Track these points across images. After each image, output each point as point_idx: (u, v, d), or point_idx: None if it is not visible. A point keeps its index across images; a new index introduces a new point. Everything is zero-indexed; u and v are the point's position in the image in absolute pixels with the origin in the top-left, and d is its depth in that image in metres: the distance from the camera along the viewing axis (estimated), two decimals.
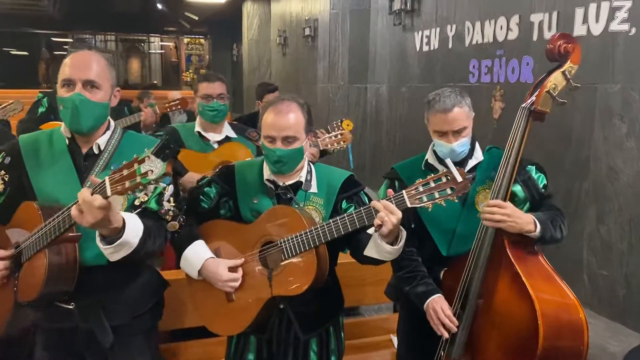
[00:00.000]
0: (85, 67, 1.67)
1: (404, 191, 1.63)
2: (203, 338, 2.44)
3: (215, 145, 2.83)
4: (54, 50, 18.81)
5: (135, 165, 1.34)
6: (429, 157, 2.03)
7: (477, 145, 2.02)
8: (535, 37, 3.66)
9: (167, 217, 1.69)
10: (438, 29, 4.99)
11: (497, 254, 1.77)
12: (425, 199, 1.60)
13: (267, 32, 10.23)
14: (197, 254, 1.84)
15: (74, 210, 1.44)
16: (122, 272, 1.71)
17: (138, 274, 1.80)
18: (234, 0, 10.54)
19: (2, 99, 3.63)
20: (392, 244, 1.71)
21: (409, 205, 1.62)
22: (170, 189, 1.73)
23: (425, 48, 5.22)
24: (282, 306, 1.85)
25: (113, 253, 1.57)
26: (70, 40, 18.60)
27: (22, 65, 17.00)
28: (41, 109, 3.51)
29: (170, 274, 2.20)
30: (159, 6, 15.60)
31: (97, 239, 1.55)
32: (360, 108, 6.58)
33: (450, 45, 4.78)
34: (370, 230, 1.74)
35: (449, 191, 1.58)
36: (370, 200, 1.91)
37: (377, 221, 1.64)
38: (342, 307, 2.05)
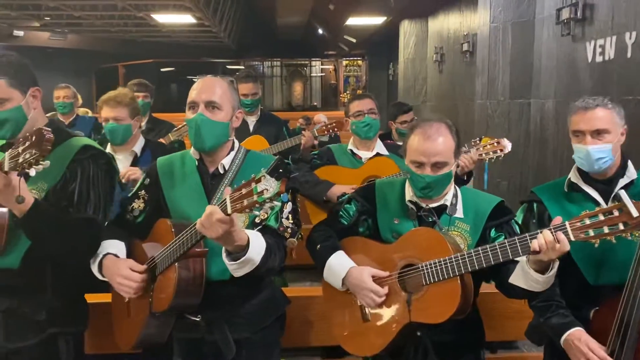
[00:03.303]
0: (208, 90, 1.81)
1: (567, 223, 1.48)
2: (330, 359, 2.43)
3: (366, 162, 2.88)
4: (229, 77, 20.72)
5: (253, 185, 1.40)
6: (572, 175, 1.82)
7: (629, 163, 1.79)
8: None
9: (286, 234, 1.75)
10: (614, 37, 4.50)
11: None
12: (591, 233, 1.43)
13: (424, 49, 10.17)
14: (341, 263, 1.85)
15: (198, 224, 1.54)
16: (244, 287, 1.78)
17: (260, 289, 1.86)
18: (391, 20, 10.65)
19: (181, 122, 4.03)
20: (541, 272, 1.55)
21: (572, 238, 1.46)
22: (289, 206, 1.78)
23: (599, 59, 4.74)
24: (419, 333, 1.77)
25: (237, 269, 1.65)
26: (242, 67, 20.36)
27: None
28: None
29: (295, 291, 2.23)
30: (320, 31, 16.39)
31: (223, 255, 1.63)
32: (522, 125, 6.17)
33: (629, 55, 4.28)
34: (520, 257, 1.60)
35: (621, 226, 1.40)
36: (521, 229, 1.76)
37: (534, 246, 1.49)
38: (484, 341, 1.93)
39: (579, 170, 1.82)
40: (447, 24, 8.72)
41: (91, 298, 2.07)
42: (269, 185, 1.37)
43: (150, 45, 16.02)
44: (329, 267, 1.86)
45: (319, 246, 1.87)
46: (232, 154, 1.87)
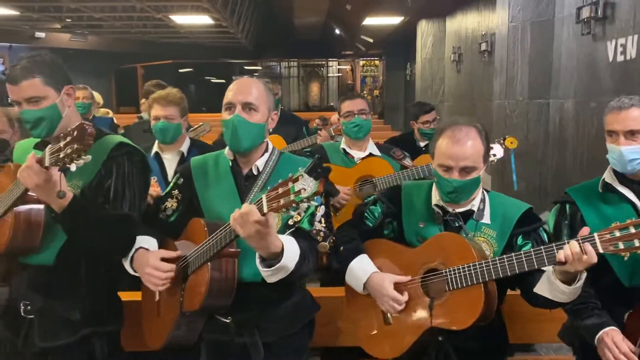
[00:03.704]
0: (245, 91, 1.80)
1: (595, 234, 1.45)
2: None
3: (359, 162, 2.88)
4: (265, 78, 20.81)
5: (290, 184, 1.39)
6: (607, 175, 1.78)
7: None
8: None
9: (318, 237, 1.73)
10: (636, 37, 4.42)
11: None
12: (621, 245, 1.40)
13: (441, 49, 10.10)
14: (364, 267, 1.84)
15: (232, 220, 1.52)
16: (276, 290, 1.76)
17: (291, 293, 1.84)
18: (408, 20, 10.60)
19: (199, 122, 4.08)
20: (567, 284, 1.52)
21: (600, 250, 1.44)
22: (322, 209, 1.76)
23: (620, 58, 4.66)
24: (440, 339, 1.76)
25: (270, 275, 1.63)
26: (259, 67, 20.44)
27: (219, 91, 19.01)
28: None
29: (324, 291, 2.22)
30: (337, 32, 16.38)
31: (257, 261, 1.62)
32: (541, 125, 6.11)
33: None
34: (546, 267, 1.57)
35: None
36: (549, 238, 1.73)
37: (560, 257, 1.46)
38: (507, 350, 1.90)
39: (614, 171, 1.78)
40: (465, 23, 8.65)
41: (124, 296, 2.07)
42: (307, 185, 1.36)
43: (169, 46, 16.16)
44: (351, 271, 1.85)
45: (342, 248, 1.86)
46: (266, 155, 1.86)
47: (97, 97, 5.34)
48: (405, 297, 1.76)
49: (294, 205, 1.38)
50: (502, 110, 6.49)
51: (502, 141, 2.86)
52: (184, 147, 2.92)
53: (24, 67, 1.78)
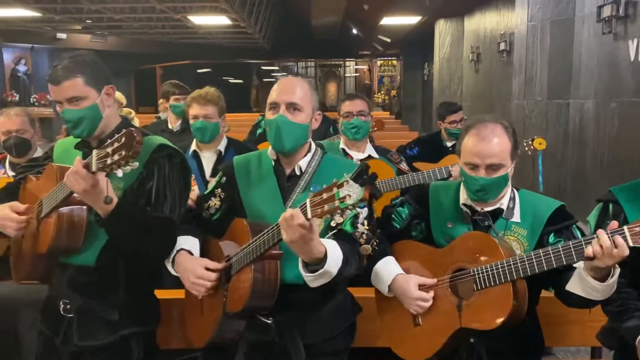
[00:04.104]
0: (290, 91, 1.78)
1: (625, 227, 1.41)
2: None
3: (358, 163, 2.86)
4: (263, 78, 20.90)
5: (334, 190, 1.36)
6: None
7: None
8: None
9: (361, 240, 1.69)
10: None
11: None
12: None
13: (459, 49, 10.04)
14: (388, 269, 1.82)
15: (279, 222, 1.50)
16: (317, 292, 1.73)
17: (333, 295, 1.81)
18: (426, 19, 10.55)
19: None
20: (600, 280, 1.48)
21: (630, 244, 1.40)
22: (365, 211, 1.72)
23: None
24: (472, 340, 1.72)
25: (313, 280, 1.60)
26: (276, 67, 20.51)
27: (237, 91, 19.18)
28: (259, 130, 3.91)
29: (353, 292, 2.19)
30: (355, 32, 16.37)
31: (300, 266, 1.59)
32: (560, 126, 6.03)
33: None
34: (578, 264, 1.53)
35: None
36: (583, 235, 1.67)
37: (588, 252, 1.43)
38: (542, 352, 1.85)
39: None
40: (484, 22, 8.59)
41: (161, 294, 2.08)
42: (352, 191, 1.34)
43: (187, 47, 16.32)
44: (376, 273, 1.83)
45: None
46: (309, 155, 1.84)
47: (120, 97, 5.40)
48: (431, 295, 1.74)
49: (338, 211, 1.36)
50: (521, 111, 6.43)
51: (530, 142, 2.81)
52: (222, 145, 2.91)
53: (66, 67, 1.77)
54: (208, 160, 2.87)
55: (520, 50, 6.52)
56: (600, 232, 1.46)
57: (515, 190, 1.82)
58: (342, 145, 2.95)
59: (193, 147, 2.90)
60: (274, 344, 1.75)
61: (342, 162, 1.90)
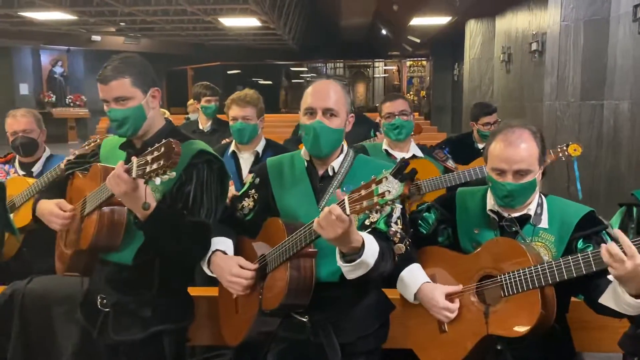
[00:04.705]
0: (325, 96, 1.79)
1: None
2: None
3: (395, 161, 2.83)
4: (292, 79, 21.02)
5: (373, 186, 1.37)
6: None
7: None
8: None
9: (395, 239, 1.70)
10: None
11: None
12: None
13: (490, 49, 9.91)
14: (414, 277, 1.81)
15: (316, 223, 1.52)
16: (352, 290, 1.75)
17: (367, 293, 1.82)
18: (456, 19, 10.45)
19: None
20: (636, 297, 1.45)
21: None
22: (398, 210, 1.73)
23: None
24: (499, 347, 1.69)
25: (351, 271, 1.61)
26: (305, 69, 20.59)
27: (266, 92, 19.25)
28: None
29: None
30: (384, 32, 16.31)
31: (337, 257, 1.60)
32: (594, 128, 5.90)
33: None
34: (612, 276, 1.50)
35: None
36: (614, 241, 1.65)
37: (606, 260, 1.41)
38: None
39: None
40: (516, 22, 8.46)
41: (194, 291, 2.12)
42: (392, 187, 1.34)
43: (218, 49, 16.51)
44: (402, 280, 1.82)
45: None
46: (342, 156, 1.86)
47: None
48: (456, 305, 1.73)
49: (377, 207, 1.36)
50: (553, 112, 6.31)
51: (565, 148, 2.74)
52: (260, 147, 2.96)
53: (115, 67, 1.83)
54: (246, 161, 2.93)
55: (552, 50, 6.41)
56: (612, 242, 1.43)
57: (543, 196, 1.81)
58: (384, 147, 2.92)
59: (232, 147, 2.96)
60: (308, 342, 1.75)
61: (374, 162, 1.90)
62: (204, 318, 2.15)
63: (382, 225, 1.70)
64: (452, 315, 1.73)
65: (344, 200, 1.44)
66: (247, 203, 1.93)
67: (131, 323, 1.88)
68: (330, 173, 1.83)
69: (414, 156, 2.88)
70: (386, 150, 2.91)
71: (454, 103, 13.95)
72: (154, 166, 1.54)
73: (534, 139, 1.72)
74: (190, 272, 2.03)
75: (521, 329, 1.59)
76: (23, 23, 11.40)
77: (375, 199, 1.35)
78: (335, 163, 1.83)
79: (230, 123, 2.91)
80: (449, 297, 1.75)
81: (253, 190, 1.93)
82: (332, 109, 1.77)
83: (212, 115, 4.09)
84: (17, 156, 3.04)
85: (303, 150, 1.88)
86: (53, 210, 1.89)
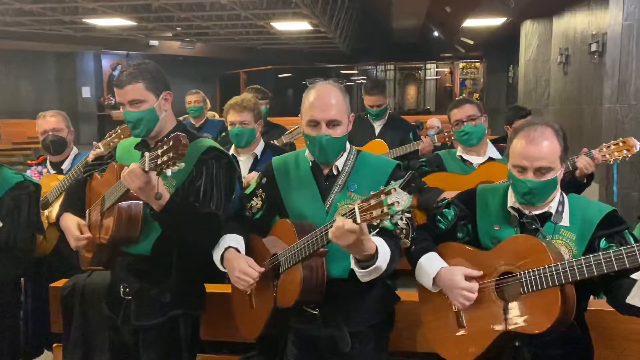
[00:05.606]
0: (327, 108, 1.86)
1: None
2: None
3: (478, 168, 2.78)
4: (343, 81, 21.04)
5: (382, 196, 1.44)
6: None
7: None
8: None
9: (401, 235, 1.79)
10: None
11: None
12: None
13: (547, 50, 9.62)
14: (432, 262, 1.84)
15: (330, 234, 1.61)
16: (360, 284, 1.82)
17: (374, 287, 1.91)
18: (511, 21, 10.20)
19: (296, 125, 4.20)
20: None
21: None
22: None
23: None
24: (517, 344, 1.70)
25: (365, 276, 1.71)
26: (356, 71, 20.58)
27: None
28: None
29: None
30: (436, 34, 16.11)
31: (352, 263, 1.70)
32: None
33: None
34: (636, 275, 1.48)
35: None
36: (636, 241, 1.63)
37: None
38: (591, 359, 1.79)
39: None
40: (574, 23, 8.18)
41: (207, 287, 2.24)
42: (401, 198, 1.41)
43: (269, 53, 16.76)
44: (420, 267, 1.86)
45: (413, 247, 1.88)
46: (345, 155, 1.94)
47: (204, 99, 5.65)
48: (477, 285, 1.73)
49: (387, 217, 1.43)
50: (613, 115, 6.07)
51: (621, 144, 2.66)
52: (258, 149, 3.08)
53: (130, 73, 1.99)
54: (244, 163, 3.04)
55: (613, 51, 6.17)
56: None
57: (564, 194, 1.80)
58: (459, 152, 2.88)
59: (232, 151, 3.06)
60: (320, 334, 1.85)
61: (375, 159, 1.96)
62: (215, 313, 2.26)
63: (389, 224, 1.73)
64: (474, 296, 1.73)
65: (354, 209, 1.51)
66: (256, 202, 2.03)
67: (151, 309, 2.05)
68: (335, 172, 1.91)
69: (490, 159, 2.83)
70: (460, 156, 2.85)
71: (509, 106, 13.61)
72: (164, 158, 1.68)
73: (556, 136, 1.71)
74: (206, 264, 2.11)
75: (540, 326, 1.58)
76: (86, 29, 11.95)
77: (385, 209, 1.42)
78: (339, 162, 1.92)
79: (229, 128, 3.03)
80: (469, 279, 1.76)
81: (260, 190, 2.03)
82: (335, 120, 1.85)
83: (263, 118, 4.17)
84: (48, 156, 3.27)
85: (307, 152, 1.95)
86: (73, 232, 2.06)
